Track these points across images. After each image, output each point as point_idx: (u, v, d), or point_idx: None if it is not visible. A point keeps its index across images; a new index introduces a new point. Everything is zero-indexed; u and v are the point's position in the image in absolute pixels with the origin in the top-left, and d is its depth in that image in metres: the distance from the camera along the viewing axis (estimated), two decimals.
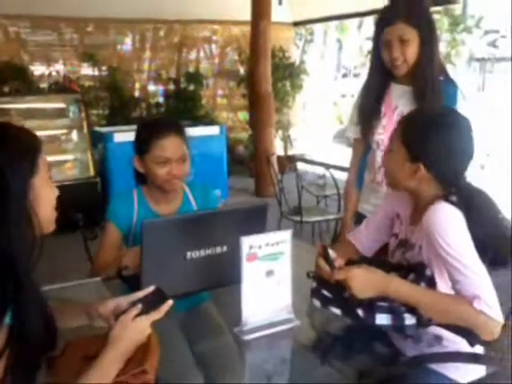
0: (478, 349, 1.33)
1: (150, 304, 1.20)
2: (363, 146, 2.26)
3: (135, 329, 1.14)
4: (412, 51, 2.00)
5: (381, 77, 2.14)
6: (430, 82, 2.03)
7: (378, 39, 2.06)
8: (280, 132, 8.37)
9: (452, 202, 1.41)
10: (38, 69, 6.85)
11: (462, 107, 2.07)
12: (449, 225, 1.39)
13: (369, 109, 2.17)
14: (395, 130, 1.55)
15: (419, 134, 1.45)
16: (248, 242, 1.33)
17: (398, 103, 2.11)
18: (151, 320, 1.17)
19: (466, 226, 1.39)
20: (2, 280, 0.96)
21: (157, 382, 1.15)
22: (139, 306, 1.17)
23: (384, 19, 2.05)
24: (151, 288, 1.27)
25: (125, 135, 5.07)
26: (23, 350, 0.98)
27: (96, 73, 7.13)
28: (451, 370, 1.28)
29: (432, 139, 1.44)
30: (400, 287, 1.40)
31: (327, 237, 4.39)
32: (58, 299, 1.56)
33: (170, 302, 1.21)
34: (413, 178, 1.48)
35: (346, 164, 2.47)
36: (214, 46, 8.33)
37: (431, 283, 1.45)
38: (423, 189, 1.50)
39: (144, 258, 1.45)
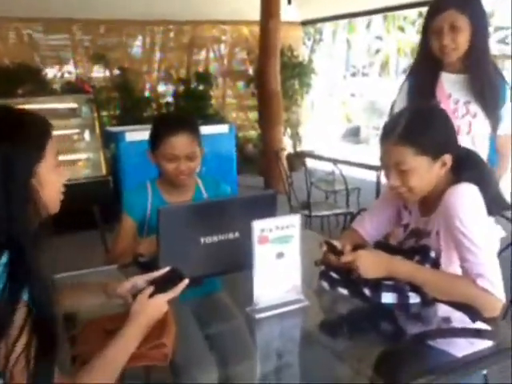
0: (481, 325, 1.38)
1: (166, 283, 1.27)
2: None
3: (153, 306, 1.21)
4: (463, 39, 2.02)
5: (431, 66, 2.15)
6: (486, 73, 2.07)
7: (428, 28, 2.09)
8: (289, 130, 8.43)
9: (469, 180, 1.49)
10: (50, 70, 6.97)
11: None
12: (467, 204, 1.46)
13: (423, 97, 2.16)
14: (390, 154, 1.52)
15: (429, 131, 1.49)
16: (259, 226, 1.40)
17: (452, 91, 2.14)
18: (168, 298, 1.24)
19: (483, 204, 1.46)
20: (16, 257, 0.99)
21: (173, 358, 1.22)
22: (151, 288, 1.24)
23: (436, 7, 2.07)
24: (167, 268, 1.34)
25: (136, 134, 5.14)
26: (39, 327, 1.00)
27: (107, 74, 7.24)
28: (455, 347, 1.33)
29: (439, 127, 1.52)
30: (404, 267, 1.47)
31: (336, 231, 4.44)
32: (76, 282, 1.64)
33: (186, 280, 1.28)
34: (441, 172, 1.52)
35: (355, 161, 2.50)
36: (223, 46, 8.41)
37: (435, 265, 1.51)
38: (440, 179, 1.53)
39: (160, 243, 1.52)
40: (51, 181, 1.10)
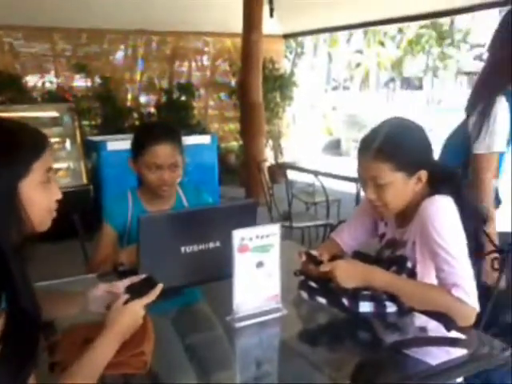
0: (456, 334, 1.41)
1: (141, 290, 1.28)
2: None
3: (128, 312, 1.22)
4: None
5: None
6: None
7: None
8: (270, 142, 8.49)
9: (445, 193, 1.52)
10: (31, 79, 6.92)
11: None
12: (443, 215, 1.49)
13: None
14: (367, 168, 1.56)
15: (406, 147, 1.52)
16: (239, 235, 1.41)
17: None
18: (143, 304, 1.25)
19: (458, 215, 1.49)
20: None
21: (151, 366, 1.23)
22: (126, 295, 1.25)
23: None
24: (142, 276, 1.36)
25: (118, 144, 5.13)
26: (15, 334, 0.98)
27: (89, 83, 7.22)
28: (430, 355, 1.35)
29: (416, 144, 1.55)
30: (381, 277, 1.49)
31: (317, 242, 4.46)
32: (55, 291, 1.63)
33: (160, 285, 1.29)
34: (416, 188, 1.55)
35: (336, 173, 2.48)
36: (205, 58, 8.46)
37: (412, 274, 1.54)
38: (416, 193, 1.56)
39: (141, 252, 1.53)
40: (37, 198, 1.07)
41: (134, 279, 1.35)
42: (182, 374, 1.31)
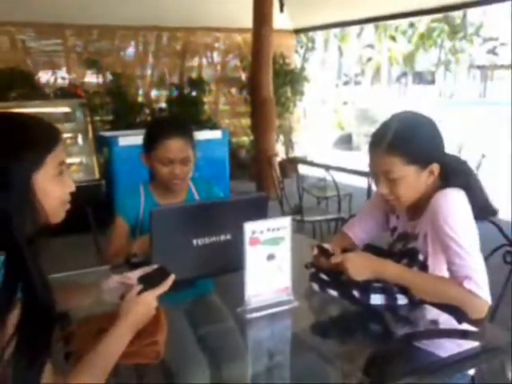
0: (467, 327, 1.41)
1: (154, 280, 1.30)
2: None
3: (142, 303, 1.24)
4: None
5: None
6: None
7: None
8: (281, 137, 8.48)
9: (456, 186, 1.52)
10: (43, 75, 6.98)
11: None
12: (455, 207, 1.49)
13: None
14: (379, 163, 1.56)
15: (418, 140, 1.52)
16: (250, 227, 1.42)
17: None
18: (156, 294, 1.27)
19: (470, 209, 1.49)
20: (13, 258, 1.00)
21: (164, 357, 1.24)
22: (139, 286, 1.27)
23: None
24: (154, 266, 1.38)
25: (129, 139, 5.16)
26: (31, 324, 1.01)
27: (100, 79, 7.26)
28: (441, 348, 1.36)
29: (428, 137, 1.54)
30: (392, 269, 1.50)
31: (328, 236, 4.46)
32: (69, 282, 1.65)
33: (172, 276, 1.31)
34: (428, 181, 1.55)
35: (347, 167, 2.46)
36: (216, 53, 8.47)
37: (423, 267, 1.54)
38: (428, 186, 1.56)
39: (154, 244, 1.54)
40: (50, 190, 1.09)
41: (147, 269, 1.36)
42: (194, 364, 1.33)
